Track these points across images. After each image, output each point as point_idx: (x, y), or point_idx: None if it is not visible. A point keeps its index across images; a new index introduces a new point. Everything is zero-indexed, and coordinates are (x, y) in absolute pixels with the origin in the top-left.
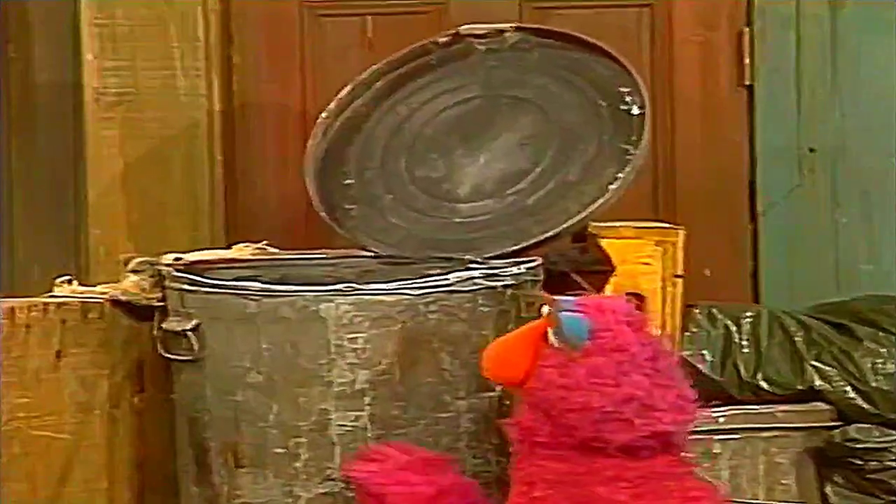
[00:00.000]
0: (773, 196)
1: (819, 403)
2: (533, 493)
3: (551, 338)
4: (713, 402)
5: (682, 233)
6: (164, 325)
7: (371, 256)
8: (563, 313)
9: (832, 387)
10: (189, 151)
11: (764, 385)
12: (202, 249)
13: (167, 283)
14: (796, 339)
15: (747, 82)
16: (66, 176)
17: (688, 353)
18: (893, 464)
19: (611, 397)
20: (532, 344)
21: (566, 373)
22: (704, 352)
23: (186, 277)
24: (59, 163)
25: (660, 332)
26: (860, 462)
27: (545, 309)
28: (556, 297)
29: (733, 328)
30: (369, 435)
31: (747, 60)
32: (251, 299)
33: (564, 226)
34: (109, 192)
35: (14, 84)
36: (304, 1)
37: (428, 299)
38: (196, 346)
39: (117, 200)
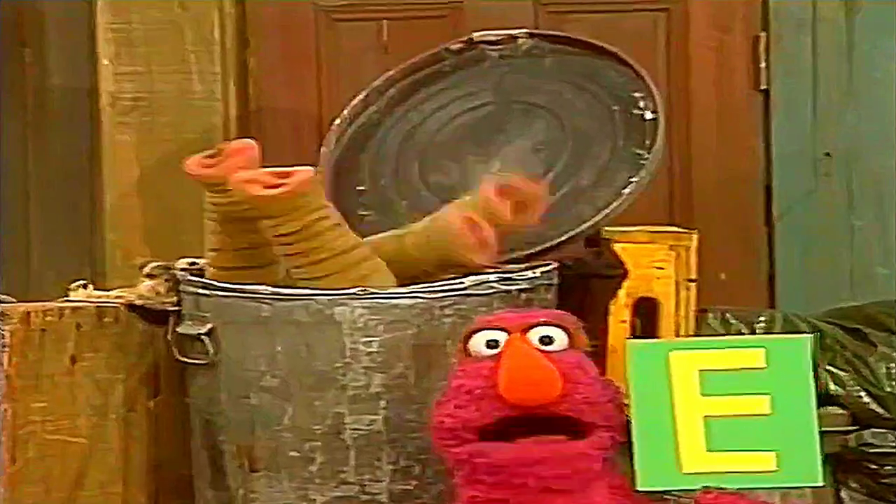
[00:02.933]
0: (788, 200)
1: (833, 408)
2: None
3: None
4: None
5: (695, 237)
6: (178, 329)
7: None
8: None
9: (846, 391)
10: None
11: None
12: None
13: (182, 287)
14: None
15: (763, 86)
16: (82, 180)
17: None
18: None
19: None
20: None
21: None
22: None
23: (201, 282)
24: (74, 167)
25: (674, 336)
26: (875, 466)
27: None
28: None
29: (747, 333)
30: (384, 438)
31: (763, 64)
32: (265, 303)
33: (578, 230)
34: (125, 196)
35: (30, 89)
36: (319, 5)
37: (443, 303)
38: (211, 350)
39: (133, 205)
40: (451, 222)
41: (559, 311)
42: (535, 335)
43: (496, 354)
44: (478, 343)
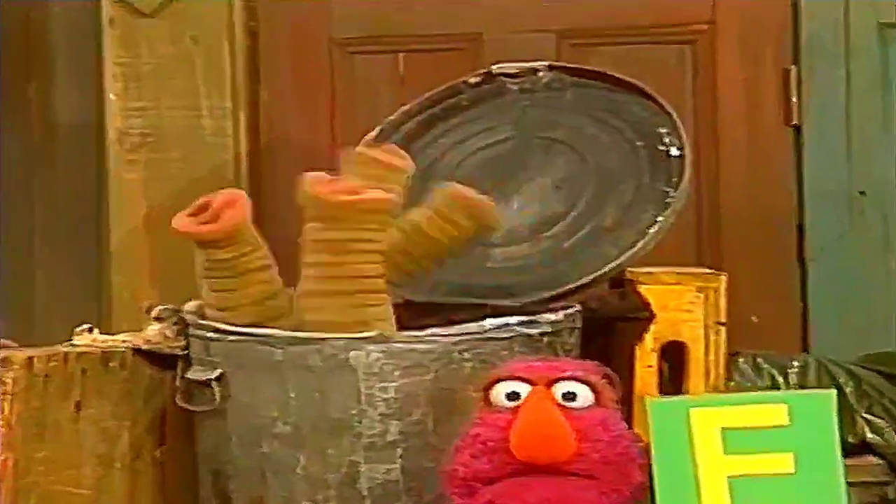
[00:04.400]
0: (822, 240)
1: (871, 458)
2: None
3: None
4: None
5: (724, 278)
6: (187, 375)
7: (401, 303)
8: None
9: (884, 440)
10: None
11: None
12: None
13: (191, 331)
14: (846, 390)
15: (794, 122)
16: (88, 219)
17: None
18: None
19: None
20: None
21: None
22: None
23: (211, 325)
24: (80, 206)
25: (704, 381)
26: None
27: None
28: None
29: (780, 378)
30: (401, 488)
31: (794, 99)
32: (277, 347)
33: (602, 271)
34: (133, 236)
35: (35, 124)
36: (333, 37)
37: (462, 347)
38: (220, 396)
39: (141, 245)
40: (461, 191)
41: (587, 365)
42: (558, 390)
43: (515, 407)
44: (498, 393)
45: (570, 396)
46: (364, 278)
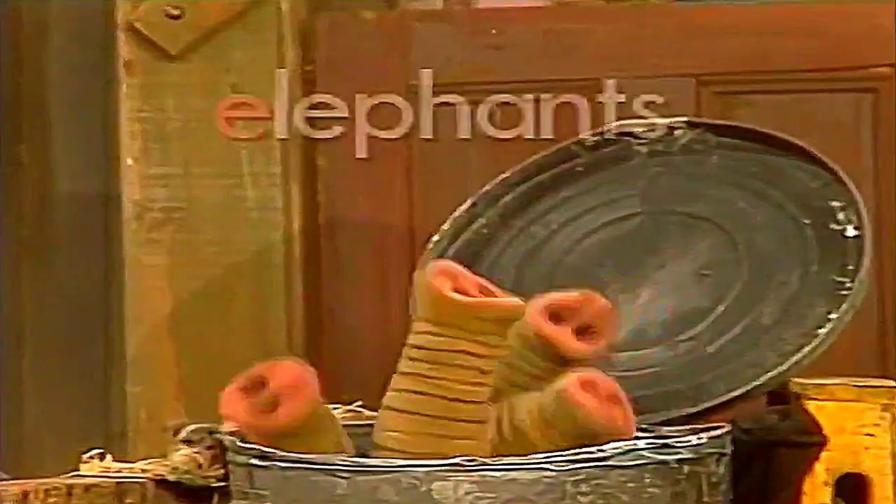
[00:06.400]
0: None
1: None
2: None
3: None
4: None
5: None
6: None
7: None
8: None
9: None
10: (259, 284)
11: None
12: None
13: (230, 456)
14: None
15: None
16: (95, 317)
17: None
18: None
19: None
20: None
21: None
22: None
23: (256, 449)
24: (85, 299)
25: None
26: None
27: None
28: None
29: None
30: None
31: None
32: (341, 476)
33: (758, 382)
34: (153, 337)
35: (28, 197)
36: (411, 84)
37: (577, 477)
38: None
39: (164, 349)
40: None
41: None
42: None
43: None
44: None
45: None
46: (458, 402)
